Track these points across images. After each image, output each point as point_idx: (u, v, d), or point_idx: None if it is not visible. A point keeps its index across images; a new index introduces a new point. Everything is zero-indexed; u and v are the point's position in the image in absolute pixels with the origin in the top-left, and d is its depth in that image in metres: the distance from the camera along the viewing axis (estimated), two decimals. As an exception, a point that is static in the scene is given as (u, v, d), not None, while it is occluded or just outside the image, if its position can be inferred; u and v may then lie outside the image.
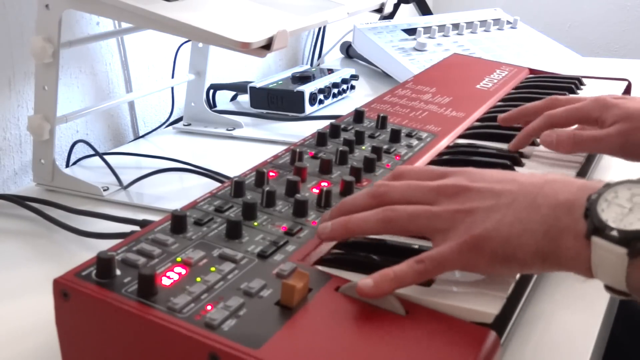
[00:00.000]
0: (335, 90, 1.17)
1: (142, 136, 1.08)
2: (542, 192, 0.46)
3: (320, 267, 0.50)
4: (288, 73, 1.20)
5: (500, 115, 0.79)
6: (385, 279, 0.45)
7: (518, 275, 0.50)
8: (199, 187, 0.80)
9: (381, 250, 0.53)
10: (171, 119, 1.15)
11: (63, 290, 0.45)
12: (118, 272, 0.46)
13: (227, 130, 1.04)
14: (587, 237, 0.42)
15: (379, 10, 1.00)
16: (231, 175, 0.65)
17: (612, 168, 0.80)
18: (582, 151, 0.73)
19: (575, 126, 0.78)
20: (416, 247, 0.52)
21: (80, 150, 0.98)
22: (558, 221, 0.44)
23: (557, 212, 0.44)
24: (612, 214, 0.42)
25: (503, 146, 0.75)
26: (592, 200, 0.43)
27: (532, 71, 1.09)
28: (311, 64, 1.55)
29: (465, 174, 0.51)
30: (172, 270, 0.47)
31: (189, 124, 1.07)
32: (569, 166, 0.73)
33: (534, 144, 0.77)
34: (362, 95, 1.23)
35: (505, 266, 0.46)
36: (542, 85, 1.00)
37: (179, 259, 0.48)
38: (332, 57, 1.58)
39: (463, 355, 0.41)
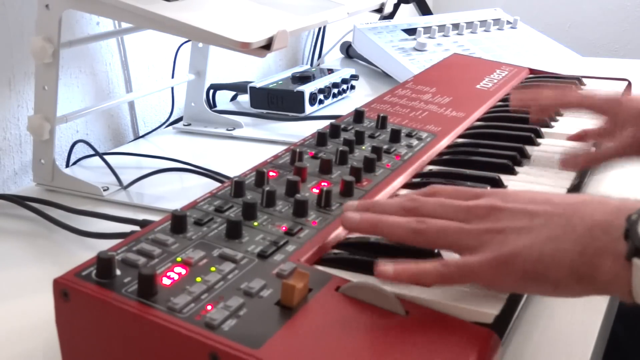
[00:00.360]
0: (335, 90, 1.17)
1: (142, 136, 1.08)
2: (578, 213, 0.45)
3: (320, 267, 0.50)
4: (288, 73, 1.20)
5: (513, 96, 0.78)
6: (406, 270, 0.45)
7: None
8: (199, 187, 0.80)
9: (382, 251, 0.52)
10: (171, 119, 1.15)
11: (63, 290, 0.45)
12: (118, 272, 0.46)
13: (227, 130, 1.04)
14: (627, 259, 0.41)
15: (379, 10, 1.00)
16: (231, 175, 0.65)
17: (611, 170, 0.80)
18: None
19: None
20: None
21: (80, 150, 0.98)
22: (595, 241, 0.42)
23: (593, 232, 0.43)
24: None
25: (503, 146, 0.75)
26: (633, 221, 0.41)
27: (532, 71, 1.10)
28: (311, 64, 1.55)
29: (499, 194, 0.50)
30: (172, 270, 0.47)
31: (189, 124, 1.07)
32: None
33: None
34: (362, 95, 1.23)
35: (536, 286, 0.45)
36: (542, 85, 1.00)
37: (179, 259, 0.48)
38: (332, 57, 1.57)
39: (463, 355, 0.41)
